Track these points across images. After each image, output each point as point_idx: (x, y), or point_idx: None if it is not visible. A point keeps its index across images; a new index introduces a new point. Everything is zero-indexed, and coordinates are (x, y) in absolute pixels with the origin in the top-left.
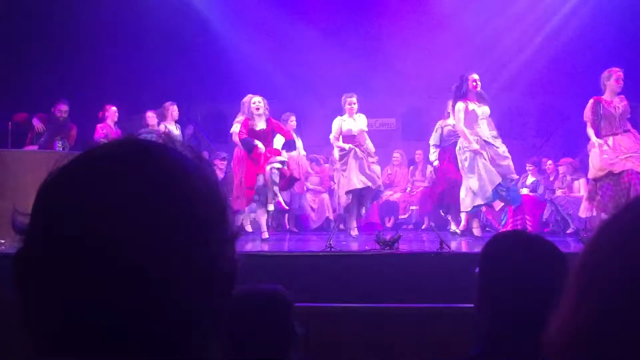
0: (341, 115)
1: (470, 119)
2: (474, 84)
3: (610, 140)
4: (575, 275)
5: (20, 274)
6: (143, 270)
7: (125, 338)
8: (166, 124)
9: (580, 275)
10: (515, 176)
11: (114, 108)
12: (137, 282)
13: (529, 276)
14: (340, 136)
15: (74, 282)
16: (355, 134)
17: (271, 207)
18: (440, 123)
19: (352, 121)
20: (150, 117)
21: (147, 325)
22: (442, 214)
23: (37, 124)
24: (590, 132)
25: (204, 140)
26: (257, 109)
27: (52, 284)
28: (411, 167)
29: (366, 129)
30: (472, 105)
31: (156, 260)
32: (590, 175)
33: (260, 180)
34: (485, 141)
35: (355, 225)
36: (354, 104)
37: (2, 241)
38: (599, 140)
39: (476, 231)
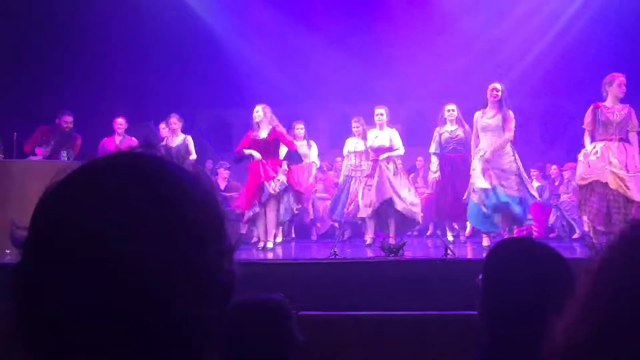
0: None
1: (479, 129)
2: (494, 92)
3: (600, 145)
4: (585, 287)
5: (19, 285)
6: (138, 282)
7: (120, 349)
8: (168, 136)
9: (590, 288)
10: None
11: (120, 120)
12: (132, 294)
13: (532, 284)
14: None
15: (70, 295)
16: (375, 148)
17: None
18: (437, 130)
19: (373, 135)
20: (163, 129)
21: (143, 335)
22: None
23: (42, 152)
24: (587, 140)
25: (208, 148)
26: (256, 117)
27: (50, 297)
28: (412, 175)
29: (387, 145)
30: (484, 116)
31: (151, 273)
32: (576, 182)
33: (265, 191)
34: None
35: (371, 235)
36: (381, 115)
37: (8, 251)
38: (590, 147)
39: (485, 240)
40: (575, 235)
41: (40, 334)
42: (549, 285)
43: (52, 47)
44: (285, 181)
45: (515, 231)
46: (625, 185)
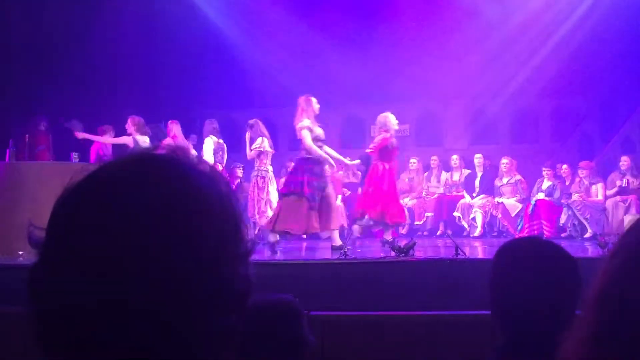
0: None
1: None
2: None
3: None
4: (597, 298)
5: (37, 286)
6: (154, 286)
7: (135, 352)
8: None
9: (605, 285)
10: None
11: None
12: (148, 298)
13: (539, 284)
14: None
15: (88, 296)
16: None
17: None
18: None
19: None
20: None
21: (157, 340)
22: None
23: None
24: None
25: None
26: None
27: (67, 297)
28: (426, 173)
29: None
30: None
31: (167, 277)
32: None
33: None
34: None
35: None
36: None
37: (21, 252)
38: None
39: None
40: (587, 235)
41: (57, 335)
42: (556, 284)
43: (63, 49)
44: None
45: (526, 231)
46: None
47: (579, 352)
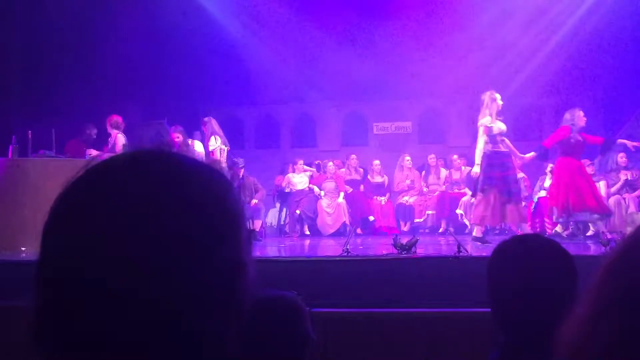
0: None
1: None
2: None
3: None
4: (598, 288)
5: (36, 284)
6: (150, 288)
7: (131, 350)
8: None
9: (603, 289)
10: None
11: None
12: (145, 300)
13: (533, 281)
14: None
15: (88, 292)
16: None
17: None
18: None
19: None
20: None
21: (157, 342)
22: None
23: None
24: None
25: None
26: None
27: (64, 299)
28: (423, 172)
29: None
30: None
31: (164, 278)
32: None
33: None
34: None
35: None
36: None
37: (23, 248)
38: None
39: None
40: (589, 233)
41: (56, 334)
42: (552, 283)
43: (65, 46)
44: None
45: (529, 229)
46: None
47: (574, 332)
